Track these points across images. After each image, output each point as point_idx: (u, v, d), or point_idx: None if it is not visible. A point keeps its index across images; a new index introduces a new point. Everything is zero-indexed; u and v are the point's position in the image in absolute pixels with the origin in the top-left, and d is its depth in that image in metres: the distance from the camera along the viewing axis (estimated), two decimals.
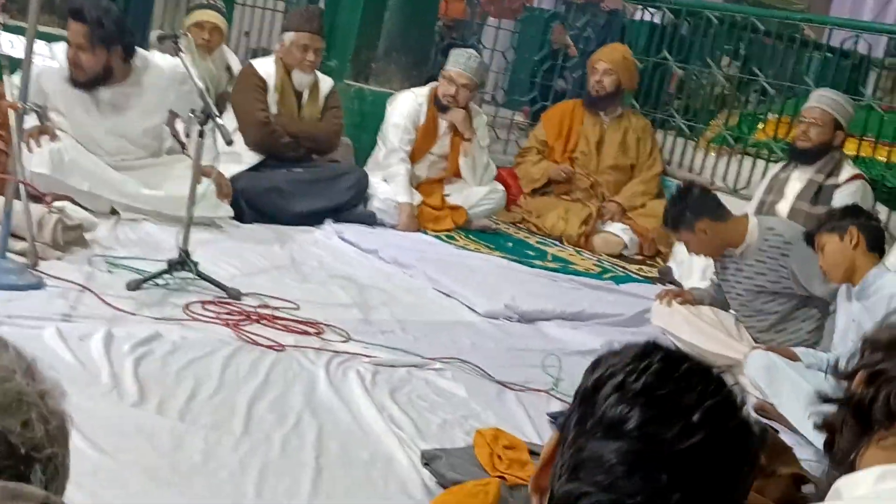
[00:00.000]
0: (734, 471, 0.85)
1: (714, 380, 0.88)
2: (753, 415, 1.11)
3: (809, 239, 3.64)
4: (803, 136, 5.04)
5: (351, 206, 5.22)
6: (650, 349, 0.91)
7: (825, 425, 1.38)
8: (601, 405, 0.85)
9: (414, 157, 5.55)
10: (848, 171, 5.00)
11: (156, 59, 4.53)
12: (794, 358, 3.79)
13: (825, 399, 1.38)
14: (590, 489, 0.84)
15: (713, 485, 0.84)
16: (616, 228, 5.84)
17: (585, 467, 0.85)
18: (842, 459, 1.35)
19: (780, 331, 4.05)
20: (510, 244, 5.49)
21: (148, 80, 4.52)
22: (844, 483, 1.25)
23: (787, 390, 3.46)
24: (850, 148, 5.57)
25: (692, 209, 3.98)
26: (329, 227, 5.01)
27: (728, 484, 0.85)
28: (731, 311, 4.19)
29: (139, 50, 4.55)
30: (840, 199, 4.89)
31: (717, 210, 4.04)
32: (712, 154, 6.40)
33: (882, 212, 5.36)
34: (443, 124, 5.60)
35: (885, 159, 5.56)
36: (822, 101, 5.06)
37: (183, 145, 4.81)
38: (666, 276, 5.25)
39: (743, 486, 0.87)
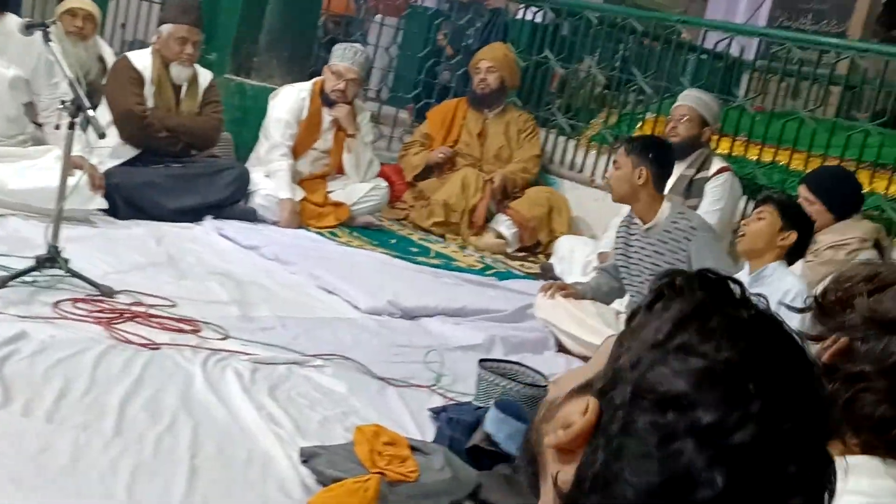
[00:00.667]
0: None
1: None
2: None
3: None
4: (672, 132, 5.22)
5: (231, 203, 5.12)
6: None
7: None
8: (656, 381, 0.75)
9: (296, 153, 5.48)
10: (717, 164, 5.20)
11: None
12: None
13: None
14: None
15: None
16: (500, 226, 5.86)
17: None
18: None
19: None
20: (394, 241, 5.47)
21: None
22: None
23: None
24: (723, 147, 5.75)
25: (650, 148, 4.07)
26: (209, 223, 4.91)
27: None
28: (629, 293, 4.25)
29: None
30: (711, 191, 5.09)
31: (662, 172, 4.10)
32: (593, 152, 6.51)
33: (751, 209, 5.55)
34: (326, 119, 5.54)
35: (756, 158, 5.74)
36: (689, 99, 5.29)
37: (47, 132, 4.65)
38: (548, 273, 5.32)
39: None
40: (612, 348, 0.82)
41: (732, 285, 0.80)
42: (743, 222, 3.80)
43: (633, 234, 4.19)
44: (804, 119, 5.62)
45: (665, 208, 4.11)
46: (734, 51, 6.51)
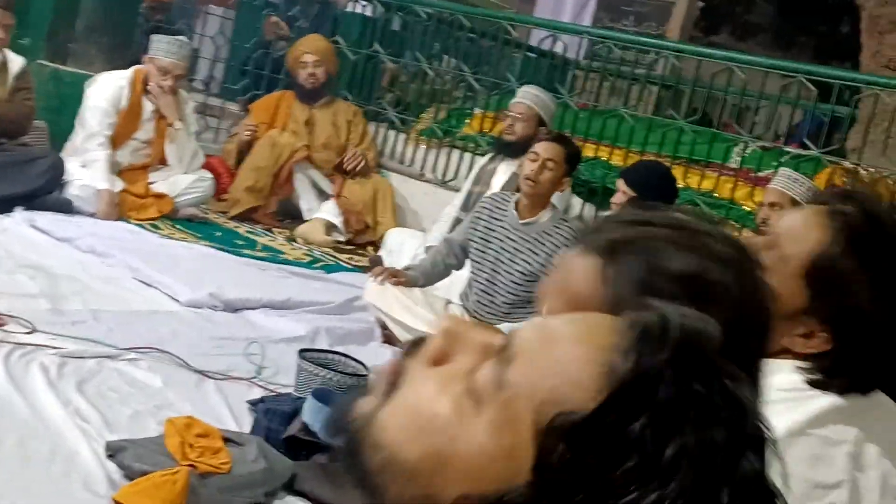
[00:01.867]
0: None
1: None
2: None
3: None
4: (509, 130, 5.27)
5: (45, 193, 4.89)
6: None
7: None
8: None
9: (116, 143, 5.28)
10: None
11: None
12: None
13: None
14: None
15: None
16: (327, 214, 5.81)
17: None
18: None
19: (515, 315, 4.18)
20: (219, 234, 5.35)
21: None
22: None
23: None
24: None
25: (576, 160, 4.31)
26: (19, 214, 4.67)
27: None
28: (473, 275, 4.28)
29: None
30: None
31: (573, 161, 4.30)
32: (422, 146, 6.55)
33: (576, 204, 5.70)
34: (147, 109, 5.37)
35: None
36: (527, 97, 5.32)
37: None
38: (377, 266, 5.31)
39: None
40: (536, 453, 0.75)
41: None
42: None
43: (501, 222, 4.22)
44: (623, 116, 5.80)
45: (548, 210, 4.21)
46: (561, 49, 6.66)
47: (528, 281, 4.16)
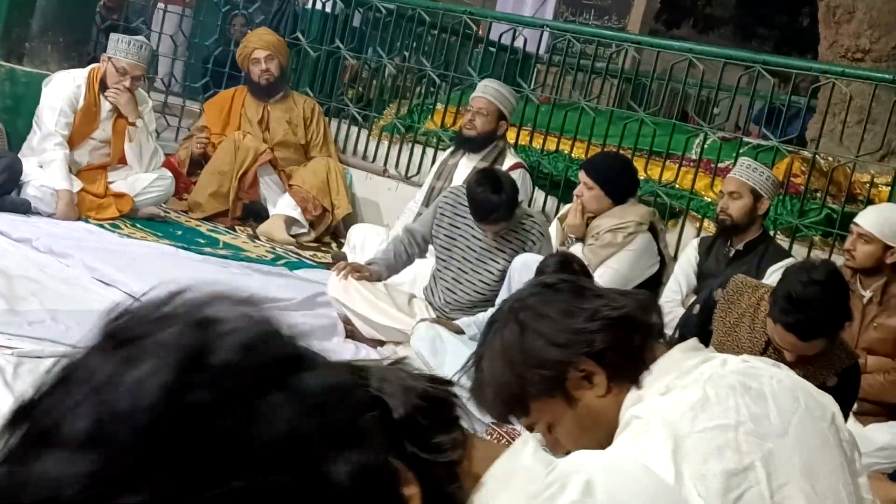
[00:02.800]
0: None
1: None
2: None
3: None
4: (469, 125, 5.24)
5: (2, 194, 4.84)
6: None
7: None
8: None
9: (73, 143, 5.22)
10: (510, 160, 5.26)
11: None
12: (458, 331, 3.97)
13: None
14: None
15: None
16: (286, 209, 5.77)
17: None
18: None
19: (478, 309, 4.18)
20: (180, 232, 5.30)
21: None
22: None
23: (450, 360, 3.58)
24: (509, 136, 5.88)
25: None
26: None
27: None
28: (439, 271, 4.29)
29: None
30: None
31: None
32: (385, 142, 6.53)
33: (539, 197, 5.72)
34: (105, 108, 5.31)
35: (540, 147, 5.91)
36: (488, 91, 5.29)
37: None
38: (339, 261, 5.29)
39: None
40: None
41: None
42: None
43: (466, 219, 4.22)
44: (584, 109, 5.82)
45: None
46: (522, 44, 6.66)
47: (495, 280, 4.18)
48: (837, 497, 1.49)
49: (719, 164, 5.29)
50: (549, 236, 4.33)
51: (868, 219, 3.87)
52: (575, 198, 4.37)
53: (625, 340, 1.56)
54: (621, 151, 5.48)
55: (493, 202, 4.04)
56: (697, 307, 3.30)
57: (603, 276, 4.04)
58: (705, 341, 2.89)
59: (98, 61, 5.38)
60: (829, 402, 1.61)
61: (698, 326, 3.09)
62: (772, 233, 4.74)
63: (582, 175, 4.44)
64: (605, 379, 1.56)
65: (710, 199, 5.22)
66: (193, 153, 5.95)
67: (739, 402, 1.49)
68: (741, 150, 5.24)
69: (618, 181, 4.52)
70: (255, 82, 6.07)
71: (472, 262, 4.21)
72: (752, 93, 5.92)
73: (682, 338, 3.15)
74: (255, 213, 5.87)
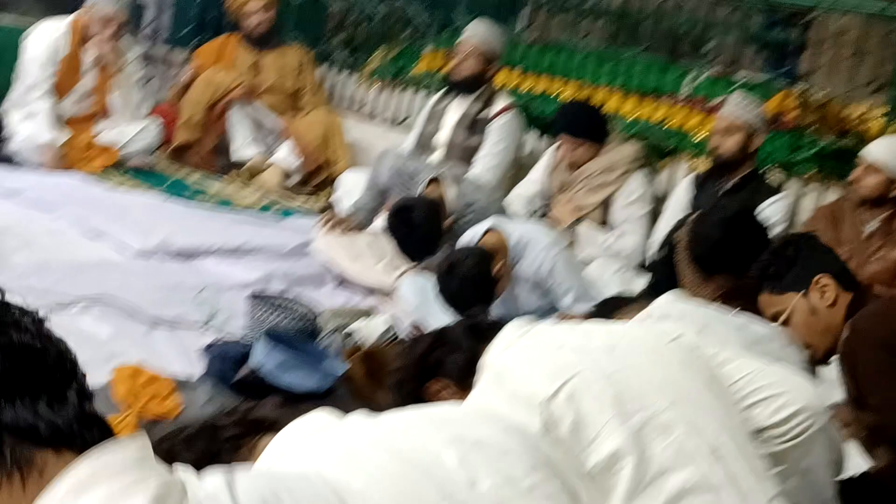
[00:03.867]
0: None
1: None
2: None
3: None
4: (458, 67, 5.18)
5: None
6: None
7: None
8: None
9: (58, 94, 5.17)
10: (501, 102, 5.21)
11: None
12: None
13: None
14: None
15: None
16: (282, 157, 5.73)
17: None
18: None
19: None
20: (168, 182, 5.26)
21: None
22: None
23: (436, 310, 3.56)
24: (499, 79, 5.82)
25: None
26: None
27: None
28: None
29: None
30: (493, 131, 5.08)
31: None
32: (373, 88, 6.46)
33: (532, 137, 5.67)
34: (88, 58, 5.24)
35: (530, 89, 5.84)
36: (477, 33, 5.22)
37: None
38: (327, 213, 5.26)
39: None
40: None
41: None
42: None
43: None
44: (574, 49, 5.75)
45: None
46: None
47: None
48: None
49: (710, 102, 5.24)
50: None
51: (877, 150, 3.90)
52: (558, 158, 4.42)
53: None
54: (612, 91, 5.44)
55: (411, 245, 3.99)
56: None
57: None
58: (674, 282, 2.89)
59: (79, 10, 5.29)
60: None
61: (666, 266, 3.08)
62: (764, 170, 4.71)
63: (565, 137, 4.44)
64: None
65: (702, 137, 5.18)
66: (182, 83, 5.93)
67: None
68: (732, 88, 5.18)
69: (596, 123, 4.54)
70: (248, 34, 5.99)
71: None
72: (741, 27, 5.85)
73: (655, 281, 3.18)
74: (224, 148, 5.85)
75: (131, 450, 0.88)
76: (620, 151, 4.56)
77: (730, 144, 4.24)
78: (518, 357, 1.58)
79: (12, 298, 2.81)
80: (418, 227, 3.92)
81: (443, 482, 1.07)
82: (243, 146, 5.74)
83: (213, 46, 6.17)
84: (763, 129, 4.32)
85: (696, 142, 5.26)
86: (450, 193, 4.14)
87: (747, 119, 4.26)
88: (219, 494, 0.89)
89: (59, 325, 2.86)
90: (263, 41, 6.01)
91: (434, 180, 4.19)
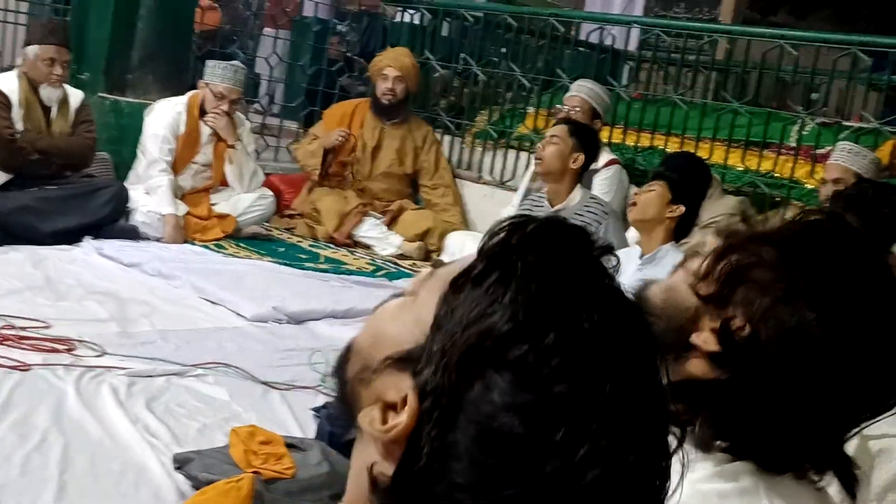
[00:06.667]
0: None
1: None
2: None
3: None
4: None
5: (111, 221, 5.03)
6: None
7: None
8: None
9: (176, 168, 5.41)
10: (605, 156, 5.24)
11: None
12: None
13: None
14: None
15: None
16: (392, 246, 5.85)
17: None
18: None
19: None
20: (282, 249, 5.43)
21: None
22: None
23: None
24: (603, 135, 5.85)
25: (590, 138, 4.37)
26: (87, 243, 4.80)
27: None
28: None
29: None
30: (600, 183, 5.14)
31: (589, 163, 4.36)
32: (478, 149, 6.57)
33: (633, 194, 5.66)
34: (205, 132, 5.48)
35: (634, 144, 5.86)
36: (582, 90, 5.30)
37: None
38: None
39: None
40: (435, 312, 0.71)
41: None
42: (634, 192, 3.88)
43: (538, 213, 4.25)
44: (677, 103, 5.75)
45: (577, 194, 4.27)
46: (612, 42, 6.60)
47: None
48: None
49: (819, 151, 5.16)
50: (615, 214, 4.30)
51: None
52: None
53: None
54: (716, 143, 5.41)
55: None
56: None
57: None
58: None
59: (196, 88, 5.56)
60: None
61: None
62: None
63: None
64: None
65: (812, 186, 5.10)
66: (327, 145, 6.02)
67: None
68: (841, 136, 5.10)
69: (698, 179, 4.49)
70: (377, 99, 6.15)
71: None
72: (849, 75, 5.76)
73: None
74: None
75: None
76: (718, 205, 4.52)
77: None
78: None
79: (133, 364, 2.90)
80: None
81: None
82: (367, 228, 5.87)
83: (343, 108, 6.35)
84: (875, 177, 4.23)
85: (805, 191, 5.19)
86: None
87: (858, 167, 4.18)
88: None
89: (181, 389, 2.97)
90: (390, 112, 6.14)
91: None
